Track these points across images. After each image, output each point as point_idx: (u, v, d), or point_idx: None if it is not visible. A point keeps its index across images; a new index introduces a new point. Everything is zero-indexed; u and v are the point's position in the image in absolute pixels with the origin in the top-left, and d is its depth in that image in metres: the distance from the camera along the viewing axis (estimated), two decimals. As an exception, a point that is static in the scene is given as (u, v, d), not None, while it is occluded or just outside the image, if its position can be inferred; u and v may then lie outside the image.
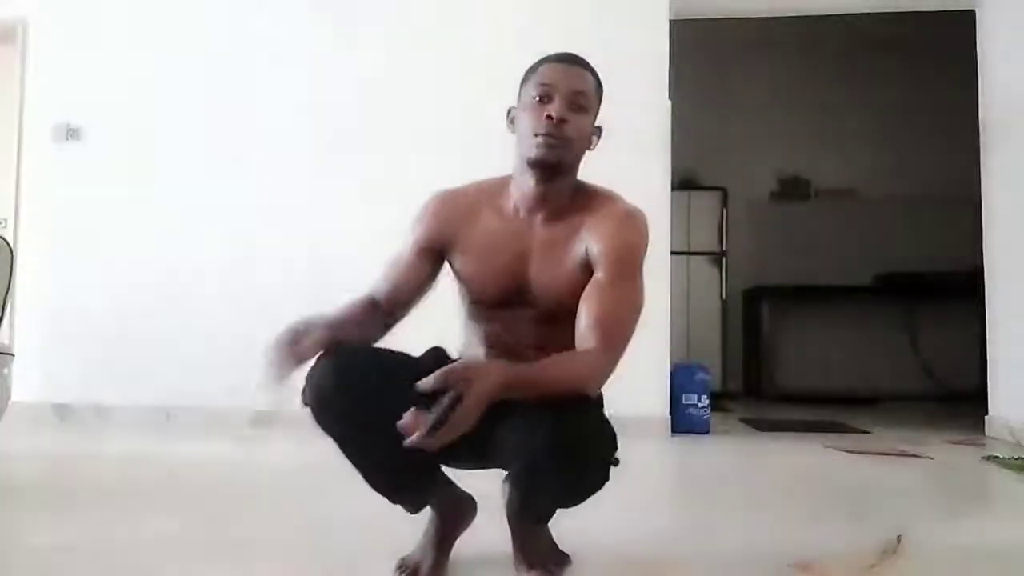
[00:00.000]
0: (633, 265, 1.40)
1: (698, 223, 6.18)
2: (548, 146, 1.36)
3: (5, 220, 4.09)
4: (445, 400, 1.12)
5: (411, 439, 1.13)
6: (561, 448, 1.22)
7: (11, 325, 3.44)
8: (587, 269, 1.41)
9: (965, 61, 4.28)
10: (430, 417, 1.12)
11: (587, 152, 1.46)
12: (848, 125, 6.46)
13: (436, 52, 3.92)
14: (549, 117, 1.35)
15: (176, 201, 4.00)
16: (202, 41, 4.07)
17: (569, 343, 1.45)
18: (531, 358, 1.42)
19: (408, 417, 1.15)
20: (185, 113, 4.04)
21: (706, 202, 6.24)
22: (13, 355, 2.68)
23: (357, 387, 1.28)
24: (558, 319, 1.42)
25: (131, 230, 4.02)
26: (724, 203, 6.26)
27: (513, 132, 1.45)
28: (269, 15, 4.05)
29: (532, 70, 1.44)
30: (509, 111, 1.47)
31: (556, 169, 1.40)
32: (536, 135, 1.36)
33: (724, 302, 6.21)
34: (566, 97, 1.38)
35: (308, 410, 1.32)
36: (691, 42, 4.52)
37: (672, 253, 3.84)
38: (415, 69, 3.92)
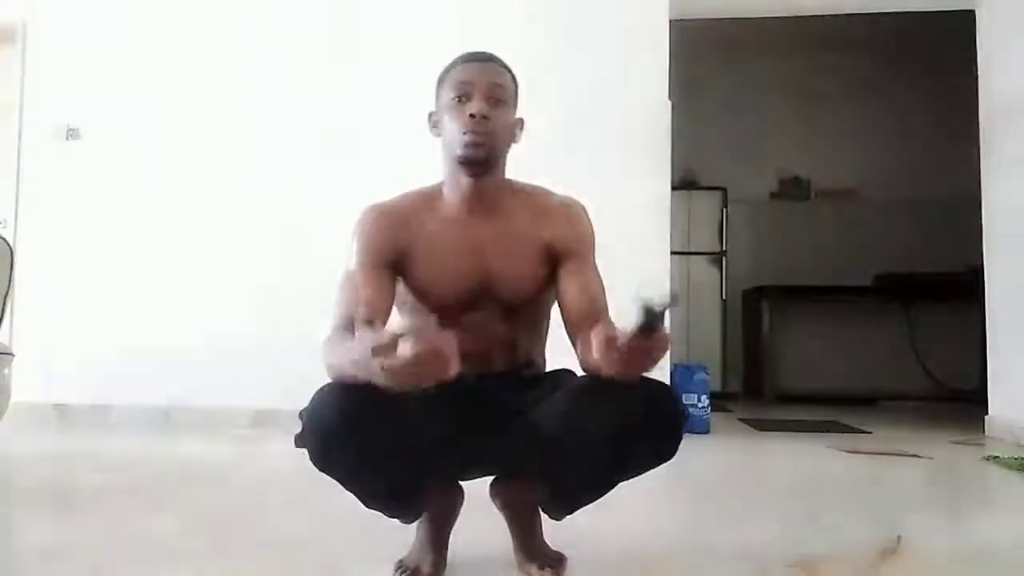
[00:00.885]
0: (593, 251, 1.48)
1: (698, 223, 6.18)
2: (475, 144, 1.37)
3: (5, 220, 4.09)
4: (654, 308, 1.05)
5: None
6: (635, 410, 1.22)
7: (11, 325, 3.43)
8: (549, 259, 1.44)
9: (965, 61, 4.28)
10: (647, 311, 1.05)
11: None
12: (848, 125, 6.46)
13: (435, 52, 3.91)
14: (472, 115, 1.37)
15: (175, 201, 4.00)
16: (202, 41, 4.07)
17: (529, 339, 1.50)
18: (500, 361, 1.44)
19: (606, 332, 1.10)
20: (185, 113, 4.04)
21: (706, 202, 6.23)
22: (13, 355, 2.68)
23: (375, 417, 1.19)
24: (521, 313, 1.46)
25: (131, 230, 4.02)
26: (724, 203, 6.25)
27: (437, 135, 1.46)
28: (269, 15, 4.06)
29: (447, 72, 1.46)
30: (430, 115, 1.48)
31: (487, 164, 1.41)
32: (464, 134, 1.38)
33: (724, 302, 6.20)
34: (484, 93, 1.39)
35: (309, 451, 1.23)
36: (691, 42, 4.52)
37: (672, 253, 3.82)
38: (415, 69, 3.91)
